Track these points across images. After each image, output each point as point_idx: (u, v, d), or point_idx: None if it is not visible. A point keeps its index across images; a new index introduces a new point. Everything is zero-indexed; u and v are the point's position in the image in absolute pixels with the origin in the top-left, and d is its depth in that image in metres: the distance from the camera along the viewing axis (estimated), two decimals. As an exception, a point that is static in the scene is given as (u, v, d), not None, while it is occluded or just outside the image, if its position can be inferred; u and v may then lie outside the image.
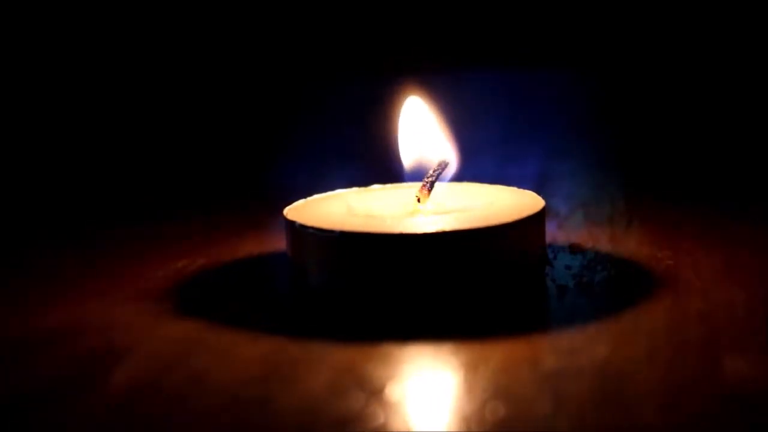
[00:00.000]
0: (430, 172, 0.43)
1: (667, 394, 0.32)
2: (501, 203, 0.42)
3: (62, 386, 0.34)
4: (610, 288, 0.41)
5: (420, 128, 0.46)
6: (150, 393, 0.33)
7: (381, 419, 0.31)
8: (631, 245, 0.46)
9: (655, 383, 0.32)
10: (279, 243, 0.46)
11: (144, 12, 0.95)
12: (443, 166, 0.44)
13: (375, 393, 0.32)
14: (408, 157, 0.46)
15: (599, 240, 0.47)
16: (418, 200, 0.43)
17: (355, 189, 0.46)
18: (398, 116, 0.47)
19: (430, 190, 0.43)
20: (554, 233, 0.47)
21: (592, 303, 0.39)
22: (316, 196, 0.45)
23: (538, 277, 0.42)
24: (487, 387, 0.33)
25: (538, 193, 0.43)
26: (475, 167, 0.48)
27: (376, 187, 0.46)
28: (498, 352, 0.35)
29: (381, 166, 0.62)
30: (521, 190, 0.44)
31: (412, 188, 0.44)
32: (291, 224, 0.41)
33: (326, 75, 0.95)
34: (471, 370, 0.34)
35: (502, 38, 0.99)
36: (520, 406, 0.31)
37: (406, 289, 0.39)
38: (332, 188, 0.46)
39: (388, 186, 0.46)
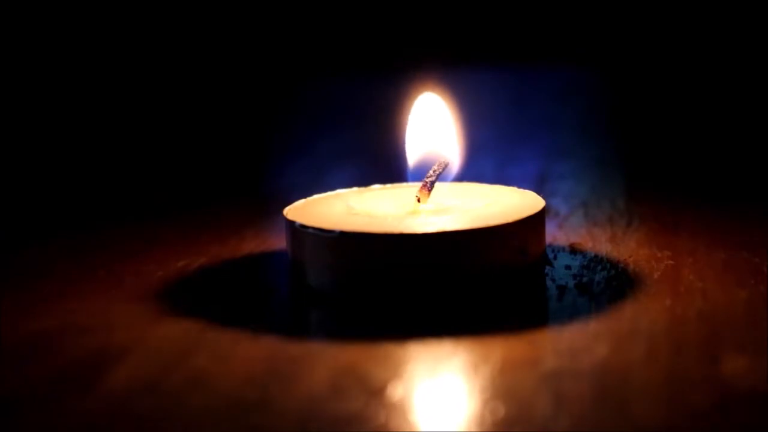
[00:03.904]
0: (431, 172, 0.43)
1: (667, 394, 0.32)
2: (501, 203, 0.42)
3: (62, 386, 0.34)
4: (610, 288, 0.41)
5: (431, 126, 0.46)
6: (150, 393, 0.33)
7: (381, 419, 0.31)
8: (631, 245, 0.46)
9: (655, 383, 0.32)
10: (279, 243, 0.46)
11: (146, 12, 0.95)
12: (443, 166, 0.44)
13: (375, 393, 0.32)
14: (413, 156, 0.46)
15: (599, 240, 0.47)
16: (418, 200, 0.43)
17: (355, 189, 0.46)
18: (406, 114, 0.47)
19: (430, 190, 0.43)
20: (554, 233, 0.47)
21: (592, 303, 0.39)
22: (316, 196, 0.45)
23: (538, 277, 0.42)
24: (487, 387, 0.33)
25: (538, 193, 0.43)
26: (475, 167, 0.48)
27: (376, 187, 0.46)
28: (498, 352, 0.35)
29: (381, 166, 0.62)
30: (521, 190, 0.44)
31: (412, 188, 0.44)
32: (291, 224, 0.41)
33: (327, 74, 0.95)
34: (471, 370, 0.34)
35: (502, 37, 0.99)
36: (520, 406, 0.31)
37: (406, 289, 0.39)
38: (332, 188, 0.46)
39: (388, 186, 0.46)
